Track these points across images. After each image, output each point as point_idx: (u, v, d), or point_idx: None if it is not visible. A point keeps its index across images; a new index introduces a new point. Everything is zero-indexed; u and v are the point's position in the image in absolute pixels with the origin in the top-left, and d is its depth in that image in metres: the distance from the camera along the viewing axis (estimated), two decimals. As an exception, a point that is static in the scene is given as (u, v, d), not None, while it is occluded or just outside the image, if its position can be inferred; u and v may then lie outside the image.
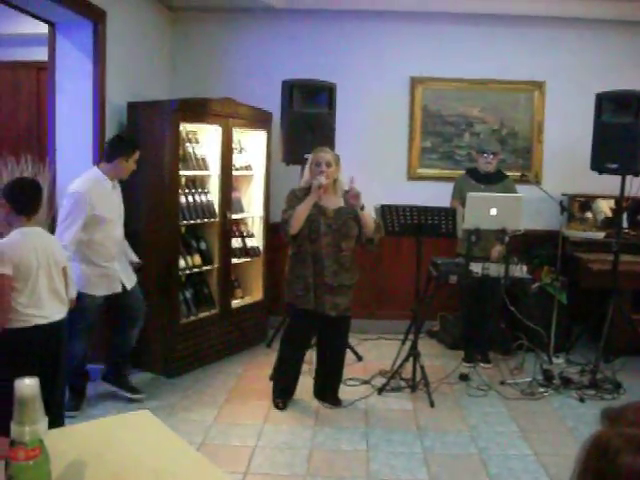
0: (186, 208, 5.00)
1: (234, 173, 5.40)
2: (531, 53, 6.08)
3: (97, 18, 4.59)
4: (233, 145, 5.36)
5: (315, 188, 4.09)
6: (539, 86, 6.12)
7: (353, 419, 4.29)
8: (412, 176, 6.25)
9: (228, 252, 5.38)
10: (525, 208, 4.67)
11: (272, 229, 5.55)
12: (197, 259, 5.16)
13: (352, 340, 5.62)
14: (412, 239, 4.79)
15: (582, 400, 4.64)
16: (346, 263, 4.24)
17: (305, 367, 4.59)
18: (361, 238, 4.28)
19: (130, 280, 4.41)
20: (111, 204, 4.21)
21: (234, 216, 5.43)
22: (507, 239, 4.72)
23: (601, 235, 5.70)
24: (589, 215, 6.02)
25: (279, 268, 4.39)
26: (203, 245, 5.24)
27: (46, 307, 3.34)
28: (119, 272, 4.30)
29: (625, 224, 5.66)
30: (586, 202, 6.05)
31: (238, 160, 5.53)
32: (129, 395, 4.48)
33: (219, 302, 5.34)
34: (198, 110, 4.98)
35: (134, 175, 4.34)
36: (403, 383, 4.80)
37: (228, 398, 4.60)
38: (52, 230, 4.54)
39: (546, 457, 3.78)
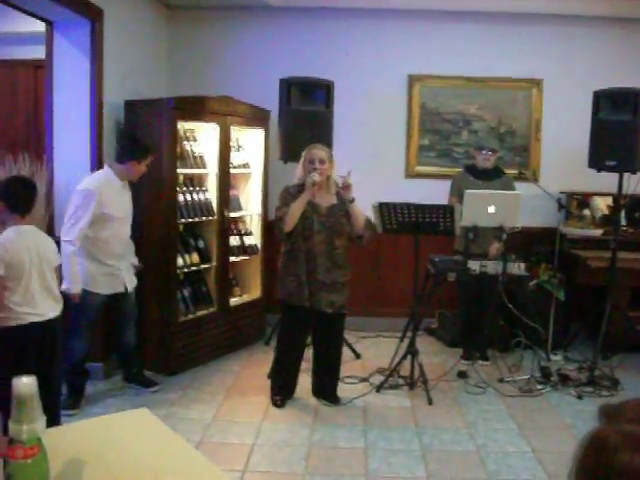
0: (184, 206, 5.00)
1: (232, 171, 5.40)
2: (529, 51, 6.08)
3: (94, 17, 4.58)
4: (231, 143, 5.36)
5: (309, 185, 4.09)
6: (537, 84, 6.12)
7: (351, 417, 4.30)
8: (410, 174, 6.24)
9: (226, 250, 5.37)
10: (523, 205, 4.68)
11: (270, 227, 5.53)
12: (195, 257, 5.15)
13: (350, 338, 5.64)
14: (410, 237, 4.78)
15: (580, 397, 4.65)
16: (339, 260, 4.24)
17: (303, 365, 4.59)
18: (350, 233, 4.28)
19: (131, 282, 4.46)
20: (120, 203, 4.25)
21: (232, 214, 5.43)
22: (505, 236, 4.73)
23: (599, 232, 5.71)
24: (587, 212, 6.03)
25: (277, 266, 4.38)
26: (201, 243, 5.24)
27: (40, 305, 3.35)
28: (123, 272, 4.34)
29: (623, 221, 5.66)
30: (584, 199, 6.06)
31: (236, 158, 5.52)
32: (149, 390, 4.58)
33: (217, 300, 5.34)
34: (196, 108, 4.97)
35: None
36: (401, 381, 4.81)
37: (226, 396, 4.60)
38: (50, 227, 4.56)
39: (544, 454, 3.79)
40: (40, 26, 4.67)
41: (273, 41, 6.15)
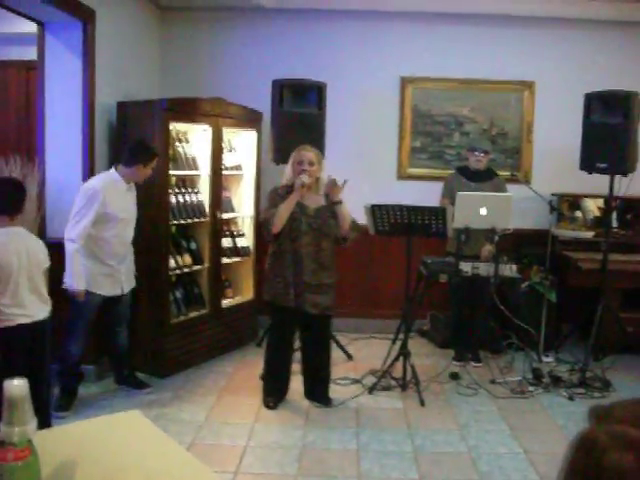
0: (176, 208, 4.99)
1: (224, 173, 5.39)
2: (521, 53, 6.10)
3: (86, 18, 4.57)
4: (223, 145, 5.35)
5: (298, 187, 4.09)
6: (529, 86, 6.14)
7: (344, 418, 4.30)
8: (402, 176, 6.25)
9: (218, 252, 5.37)
10: (514, 207, 4.69)
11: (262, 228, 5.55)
12: (187, 259, 5.14)
13: (343, 339, 5.65)
14: (402, 238, 4.79)
15: (571, 398, 4.66)
16: (325, 262, 4.24)
17: (296, 367, 4.59)
18: (336, 234, 4.28)
19: (129, 284, 4.48)
20: (124, 205, 4.29)
21: (224, 216, 5.42)
22: (497, 238, 4.75)
23: (590, 234, 5.73)
24: (578, 214, 6.05)
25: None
26: (193, 245, 5.23)
27: (29, 307, 3.34)
28: (122, 275, 4.36)
29: (614, 223, 5.69)
30: (575, 201, 6.08)
31: (228, 160, 5.52)
32: (141, 391, 4.58)
33: (209, 302, 5.34)
34: (188, 110, 4.97)
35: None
36: (394, 382, 4.81)
37: (219, 397, 4.59)
38: (41, 229, 4.55)
39: (536, 455, 3.80)
40: (32, 27, 4.66)
41: (266, 43, 6.15)
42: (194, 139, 5.26)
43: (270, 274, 4.32)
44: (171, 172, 4.89)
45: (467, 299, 5.22)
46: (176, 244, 5.11)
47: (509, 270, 4.71)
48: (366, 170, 6.09)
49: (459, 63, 6.10)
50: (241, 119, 5.48)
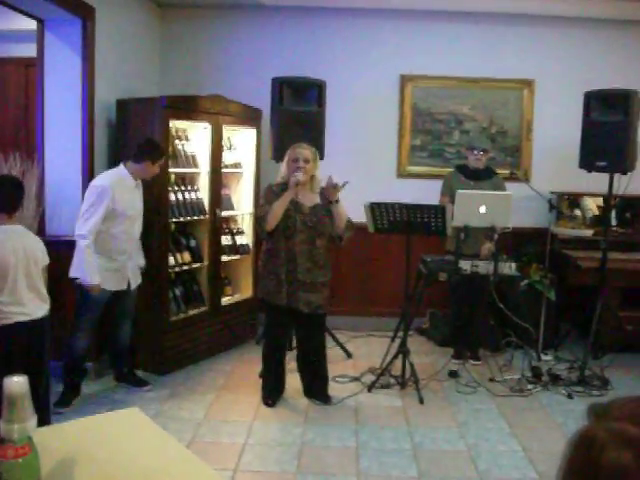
0: (176, 205, 4.99)
1: (224, 170, 5.39)
2: (521, 51, 6.10)
3: (86, 15, 4.57)
4: (223, 142, 5.35)
5: (292, 185, 4.07)
6: (528, 84, 6.14)
7: (343, 416, 4.30)
8: (402, 174, 6.25)
9: (218, 249, 5.37)
10: (514, 206, 4.69)
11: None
12: (187, 256, 5.14)
13: (342, 337, 5.65)
14: (402, 237, 4.79)
15: (570, 396, 4.67)
16: (320, 260, 4.24)
17: (292, 365, 4.60)
18: (331, 232, 4.27)
19: (135, 280, 4.50)
20: (132, 201, 4.32)
21: (224, 213, 5.42)
22: (496, 236, 4.75)
23: (589, 233, 5.73)
24: (578, 213, 6.06)
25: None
26: (193, 242, 5.23)
27: (27, 305, 3.34)
28: (129, 270, 4.39)
29: (613, 222, 5.69)
30: (574, 200, 6.08)
31: (228, 157, 5.52)
32: (140, 389, 4.60)
33: (209, 299, 5.34)
34: (188, 107, 4.96)
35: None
36: (393, 380, 4.81)
37: (218, 395, 4.60)
38: (41, 227, 4.55)
39: (535, 453, 3.80)
40: (31, 24, 4.65)
41: (265, 40, 6.15)
42: (194, 137, 5.26)
43: (264, 271, 4.33)
44: (171, 170, 4.89)
45: (466, 297, 5.22)
46: (175, 242, 5.11)
47: (508, 268, 4.71)
48: (366, 168, 6.09)
49: (459, 61, 6.10)
50: (241, 117, 5.48)
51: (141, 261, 4.61)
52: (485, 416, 4.36)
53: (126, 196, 4.24)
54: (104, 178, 4.23)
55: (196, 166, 5.22)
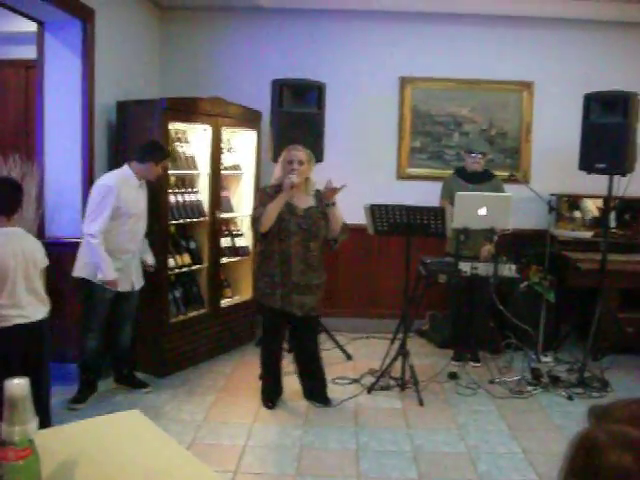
0: (175, 207, 5.00)
1: (223, 172, 5.39)
2: (520, 53, 6.11)
3: (86, 17, 4.57)
4: (222, 144, 5.35)
5: (287, 187, 4.07)
6: (528, 86, 6.15)
7: (343, 418, 4.30)
8: (401, 176, 6.26)
9: (217, 251, 5.37)
10: (514, 207, 4.69)
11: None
12: (186, 258, 5.15)
13: (342, 339, 5.66)
14: (401, 238, 4.80)
15: (570, 398, 4.67)
16: (314, 263, 4.23)
17: (291, 367, 4.60)
18: (326, 235, 4.27)
19: (139, 282, 4.53)
20: (136, 201, 4.36)
21: (223, 215, 5.42)
22: (496, 238, 4.75)
23: (589, 234, 5.74)
24: (577, 214, 6.06)
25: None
26: (192, 244, 5.24)
27: (26, 307, 3.34)
28: (133, 270, 4.41)
29: (613, 223, 5.69)
30: (574, 201, 6.09)
31: (227, 159, 5.52)
32: (140, 391, 4.61)
33: (208, 301, 5.34)
34: (187, 109, 4.97)
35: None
36: (392, 382, 4.81)
37: (217, 397, 4.60)
38: (41, 229, 4.55)
39: (534, 455, 3.80)
40: (31, 26, 4.66)
41: (265, 42, 6.15)
42: (193, 139, 5.26)
43: (258, 273, 4.33)
44: (170, 172, 4.89)
45: (466, 299, 5.23)
46: (175, 243, 5.11)
47: (508, 270, 4.72)
48: (365, 170, 6.10)
49: (458, 63, 6.10)
50: (240, 119, 5.48)
51: (150, 259, 4.63)
52: (485, 418, 4.36)
53: (130, 195, 4.27)
54: (109, 178, 4.27)
55: (196, 168, 5.22)
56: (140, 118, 4.82)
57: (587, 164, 4.94)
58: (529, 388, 4.80)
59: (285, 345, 4.78)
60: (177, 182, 5.13)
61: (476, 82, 6.14)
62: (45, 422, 3.39)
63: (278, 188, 4.16)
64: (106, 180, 4.24)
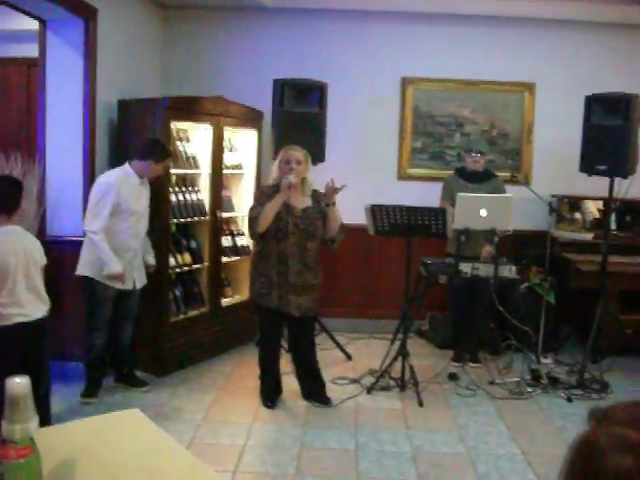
0: (176, 206, 5.00)
1: (225, 172, 5.40)
2: (522, 55, 6.10)
3: (88, 15, 4.57)
4: (224, 144, 5.35)
5: (284, 187, 4.06)
6: (529, 87, 6.15)
7: (342, 418, 4.30)
8: (402, 176, 6.26)
9: (218, 251, 5.37)
10: (514, 209, 4.69)
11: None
12: (187, 257, 5.15)
13: (342, 339, 5.65)
14: (402, 239, 4.80)
15: (570, 400, 4.67)
16: (310, 263, 4.23)
17: (289, 367, 4.61)
18: (324, 235, 4.27)
19: (141, 280, 4.53)
20: (137, 199, 4.37)
21: (224, 215, 5.43)
22: (496, 239, 4.75)
23: (589, 236, 5.73)
24: (578, 216, 6.06)
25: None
26: (193, 243, 5.24)
27: (26, 306, 3.34)
28: (135, 269, 4.43)
29: (613, 225, 5.69)
30: (575, 203, 6.09)
31: (229, 159, 5.52)
32: (140, 390, 4.61)
33: (209, 301, 5.34)
34: (189, 108, 4.97)
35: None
36: (392, 382, 4.81)
37: (217, 396, 4.60)
38: (41, 227, 4.55)
39: (534, 456, 3.80)
40: (33, 24, 4.66)
41: (267, 42, 6.15)
42: (195, 138, 5.26)
43: (254, 273, 4.33)
44: (172, 171, 4.89)
45: (466, 300, 5.22)
46: (176, 242, 5.11)
47: (508, 271, 4.72)
48: (366, 170, 6.10)
49: (460, 64, 6.10)
50: (242, 118, 5.48)
51: (151, 260, 4.63)
52: (484, 419, 4.36)
53: (131, 193, 4.28)
54: (109, 175, 4.29)
55: (197, 167, 5.22)
56: (142, 117, 4.82)
57: (588, 166, 4.94)
58: (529, 389, 4.80)
59: (284, 344, 4.78)
60: (178, 181, 5.13)
61: (478, 83, 6.14)
62: (45, 420, 3.39)
63: (276, 188, 4.16)
64: (106, 178, 4.26)
